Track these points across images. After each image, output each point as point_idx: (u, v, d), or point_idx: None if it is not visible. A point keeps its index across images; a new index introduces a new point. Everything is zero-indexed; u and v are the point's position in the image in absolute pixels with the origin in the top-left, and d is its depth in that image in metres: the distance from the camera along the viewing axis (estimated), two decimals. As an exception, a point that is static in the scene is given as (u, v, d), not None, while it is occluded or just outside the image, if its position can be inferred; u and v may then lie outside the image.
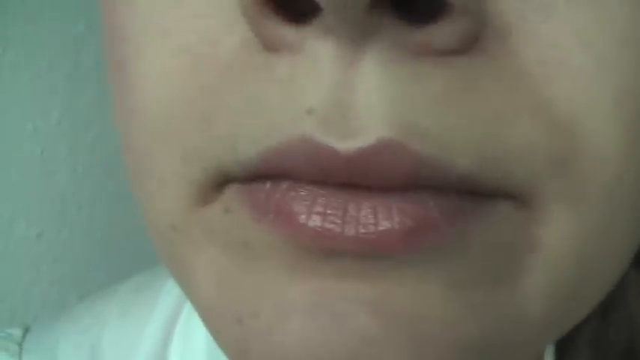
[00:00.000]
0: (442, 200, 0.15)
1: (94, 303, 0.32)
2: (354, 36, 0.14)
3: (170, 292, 0.31)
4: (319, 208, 0.15)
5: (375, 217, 0.15)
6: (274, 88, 0.15)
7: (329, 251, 0.16)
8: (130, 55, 0.17)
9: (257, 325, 0.16)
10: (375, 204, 0.15)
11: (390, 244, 0.15)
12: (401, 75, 0.15)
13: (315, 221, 0.15)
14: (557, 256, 0.16)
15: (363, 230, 0.15)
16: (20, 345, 0.31)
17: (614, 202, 0.16)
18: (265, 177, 0.16)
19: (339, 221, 0.15)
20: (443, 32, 0.14)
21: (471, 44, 0.15)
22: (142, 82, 0.17)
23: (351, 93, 0.15)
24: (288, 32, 0.15)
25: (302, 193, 0.16)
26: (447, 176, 0.15)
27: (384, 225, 0.15)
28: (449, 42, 0.15)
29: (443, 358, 0.16)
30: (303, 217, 0.15)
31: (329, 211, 0.15)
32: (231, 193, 0.17)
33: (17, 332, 0.32)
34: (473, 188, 0.16)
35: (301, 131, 0.15)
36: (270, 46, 0.15)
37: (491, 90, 0.15)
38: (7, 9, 0.46)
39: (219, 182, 0.17)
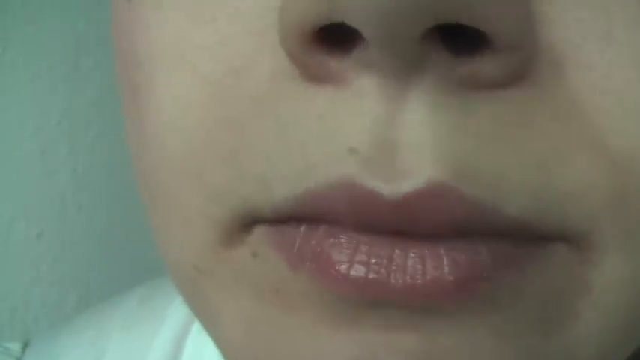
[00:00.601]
0: (494, 246, 0.14)
1: (95, 315, 0.31)
2: (401, 70, 0.13)
3: (180, 306, 0.30)
4: (362, 257, 0.14)
5: (423, 266, 0.14)
6: (313, 123, 0.14)
7: (373, 302, 0.14)
8: (145, 83, 0.16)
9: None
10: (422, 251, 0.14)
11: (440, 293, 0.14)
12: (449, 111, 0.14)
13: (359, 271, 0.14)
14: (609, 299, 0.15)
15: (410, 280, 0.14)
16: (19, 359, 0.30)
17: None
18: (299, 219, 0.15)
19: (384, 271, 0.14)
20: (489, 64, 0.13)
21: (521, 76, 0.14)
22: (159, 113, 0.16)
23: (397, 131, 0.14)
24: (330, 62, 0.14)
25: (342, 240, 0.14)
26: (500, 220, 0.14)
27: (434, 274, 0.14)
28: (496, 74, 0.13)
29: None
30: (345, 266, 0.14)
31: (373, 260, 0.14)
32: (260, 235, 0.15)
33: (16, 347, 0.31)
34: (527, 232, 0.14)
35: (342, 173, 0.14)
36: (310, 76, 0.14)
37: (544, 125, 0.14)
38: (7, 9, 0.46)
39: (247, 223, 0.15)
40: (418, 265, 0.14)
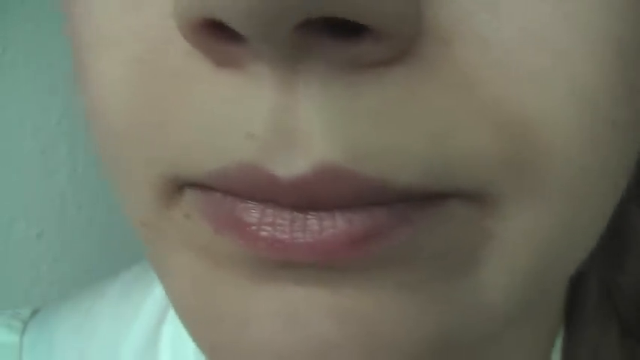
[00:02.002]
0: (388, 209, 0.15)
1: (99, 285, 0.33)
2: (286, 58, 0.14)
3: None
4: (269, 219, 0.15)
5: (320, 225, 0.15)
6: (218, 105, 0.15)
7: (285, 261, 0.16)
8: (87, 61, 0.17)
9: (228, 331, 0.17)
10: (321, 216, 0.15)
11: (338, 249, 0.15)
12: (337, 94, 0.14)
13: (266, 231, 0.15)
14: (512, 247, 0.16)
15: (310, 238, 0.15)
16: (25, 323, 0.32)
17: (580, 193, 0.16)
18: (219, 189, 0.16)
19: (287, 230, 0.15)
20: (371, 47, 0.14)
21: (406, 53, 0.14)
22: (99, 89, 0.17)
23: (290, 116, 0.14)
24: (227, 48, 0.14)
25: (251, 206, 0.16)
26: (391, 192, 0.15)
27: (330, 231, 0.15)
28: (379, 56, 0.14)
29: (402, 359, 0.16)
30: (255, 228, 0.16)
31: (278, 221, 0.15)
32: (190, 199, 0.17)
33: (25, 312, 0.33)
34: (420, 195, 0.15)
35: (243, 156, 0.15)
36: (214, 60, 0.15)
37: (432, 99, 0.15)
38: (7, 9, 0.46)
39: (177, 186, 0.17)
40: (315, 225, 0.15)
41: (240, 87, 0.15)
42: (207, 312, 0.17)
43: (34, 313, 0.33)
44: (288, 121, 0.14)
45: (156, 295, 0.31)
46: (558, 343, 0.25)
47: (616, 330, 0.26)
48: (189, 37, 0.14)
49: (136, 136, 0.17)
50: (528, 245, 0.16)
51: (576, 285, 0.26)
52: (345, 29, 0.14)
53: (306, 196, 0.15)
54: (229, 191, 0.16)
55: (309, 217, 0.15)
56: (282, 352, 0.16)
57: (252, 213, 0.16)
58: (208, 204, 0.16)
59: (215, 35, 0.14)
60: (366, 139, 0.14)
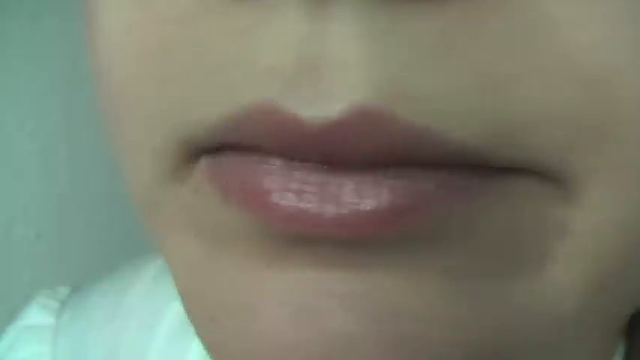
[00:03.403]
0: (440, 176, 0.13)
1: (133, 267, 0.31)
2: None
3: None
4: (294, 185, 0.13)
5: (358, 195, 0.13)
6: (233, 41, 0.13)
7: (305, 237, 0.13)
8: (95, 10, 0.16)
9: (230, 323, 0.14)
10: (358, 180, 0.13)
11: (377, 226, 0.13)
12: (380, 21, 0.12)
13: (289, 200, 0.13)
14: (594, 245, 0.13)
15: (344, 211, 0.13)
16: (63, 303, 0.30)
17: None
18: (235, 148, 0.14)
19: (316, 199, 0.13)
20: None
21: None
22: (105, 37, 0.15)
23: (321, 46, 0.12)
24: None
25: (274, 167, 0.13)
26: (445, 148, 0.12)
27: (369, 204, 0.12)
28: None
29: None
30: (276, 195, 0.13)
31: (306, 188, 0.13)
32: (201, 169, 0.14)
33: (64, 290, 0.31)
34: (480, 162, 0.13)
35: (261, 96, 0.12)
36: None
37: (497, 37, 0.12)
38: (7, 9, 0.46)
39: (189, 154, 0.14)
40: (353, 194, 0.13)
41: (260, 17, 0.12)
42: (207, 302, 0.15)
43: (73, 291, 0.31)
44: (319, 52, 0.12)
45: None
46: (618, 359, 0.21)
47: None
48: None
49: (139, 92, 0.15)
50: (612, 244, 0.13)
51: None
52: None
53: (338, 147, 0.12)
54: (245, 146, 0.13)
55: (344, 182, 0.13)
56: (294, 350, 0.13)
57: (275, 177, 0.13)
58: (219, 169, 0.14)
59: None
60: (415, 77, 0.12)
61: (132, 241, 0.52)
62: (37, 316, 0.30)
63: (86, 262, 0.51)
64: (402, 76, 0.12)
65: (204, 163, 0.14)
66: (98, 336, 0.29)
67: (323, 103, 0.12)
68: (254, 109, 0.13)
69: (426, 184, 0.13)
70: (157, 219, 0.16)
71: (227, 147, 0.14)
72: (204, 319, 0.15)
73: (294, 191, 0.13)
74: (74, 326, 0.29)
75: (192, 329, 0.28)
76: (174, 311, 0.28)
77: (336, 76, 0.12)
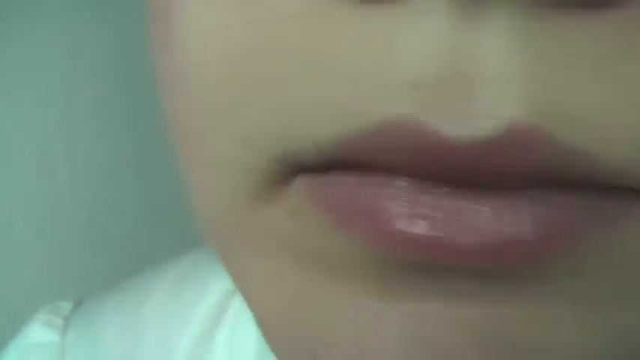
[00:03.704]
0: (583, 201, 0.12)
1: (144, 280, 0.30)
2: None
3: (225, 275, 0.28)
4: (425, 210, 0.12)
5: (499, 221, 0.12)
6: (363, 49, 0.11)
7: (433, 266, 0.12)
8: (174, 7, 0.14)
9: (335, 356, 0.13)
10: (497, 205, 0.12)
11: (518, 255, 0.12)
12: (536, 37, 0.11)
13: (420, 227, 0.12)
14: None
15: (482, 239, 0.11)
16: (67, 319, 0.29)
17: None
18: (346, 168, 0.12)
19: (451, 227, 0.12)
20: None
21: None
22: (186, 40, 0.13)
23: (470, 60, 0.11)
24: None
25: (401, 191, 0.12)
26: (597, 171, 0.11)
27: (511, 231, 0.11)
28: None
29: None
30: (404, 222, 0.12)
31: (437, 214, 0.12)
32: (301, 188, 0.13)
33: (66, 305, 0.30)
34: (623, 185, 0.12)
35: (401, 111, 0.11)
36: None
37: None
38: (7, 9, 0.46)
39: (286, 172, 0.13)
40: (492, 220, 0.12)
41: (393, 24, 0.11)
42: (306, 333, 0.14)
43: (76, 307, 0.30)
44: (466, 64, 0.11)
45: (209, 297, 0.28)
46: None
47: None
48: None
49: (230, 104, 0.13)
50: None
51: None
52: None
53: (484, 168, 0.11)
54: (365, 165, 0.12)
55: (484, 208, 0.12)
56: None
57: (403, 202, 0.12)
58: (330, 189, 0.13)
59: None
60: (571, 95, 0.11)
61: (131, 240, 0.52)
62: (40, 333, 0.29)
63: (86, 262, 0.51)
64: (559, 92, 0.11)
65: (303, 182, 0.13)
66: (110, 350, 0.28)
67: (471, 120, 0.11)
68: (389, 125, 0.11)
69: (570, 209, 0.12)
70: (237, 240, 0.14)
71: (335, 165, 0.12)
72: (301, 350, 0.14)
73: (425, 217, 0.12)
74: (82, 343, 0.28)
75: (217, 337, 0.27)
76: (200, 316, 0.27)
77: (486, 92, 0.11)
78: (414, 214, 0.12)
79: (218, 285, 0.28)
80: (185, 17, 0.13)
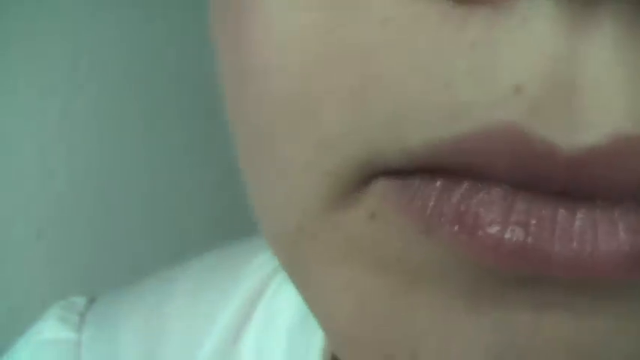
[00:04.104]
0: None
1: (164, 278, 0.30)
2: None
3: (252, 274, 0.28)
4: (520, 217, 0.11)
5: (594, 231, 0.11)
6: (462, 53, 0.11)
7: (524, 276, 0.12)
8: (254, 5, 0.13)
9: None
10: (592, 216, 0.11)
11: (613, 266, 0.11)
12: None
13: (515, 235, 0.11)
14: None
15: (577, 248, 0.11)
16: (82, 315, 0.29)
17: None
18: (432, 172, 0.12)
19: (547, 235, 0.11)
20: None
21: None
22: (267, 37, 0.13)
23: (576, 68, 0.11)
24: None
25: (494, 196, 0.12)
26: None
27: (607, 241, 0.11)
28: None
29: None
30: (497, 228, 0.11)
31: (533, 221, 0.11)
32: (382, 191, 0.13)
33: (80, 301, 0.30)
34: None
35: (503, 117, 0.11)
36: None
37: None
38: (7, 9, 0.46)
39: (366, 175, 0.13)
40: (588, 229, 0.11)
41: (496, 27, 0.11)
42: (386, 345, 0.13)
43: (90, 303, 0.29)
44: (574, 72, 0.11)
45: (234, 299, 0.27)
46: None
47: None
48: None
49: (314, 106, 0.13)
50: None
51: None
52: None
53: (586, 179, 0.11)
54: (452, 173, 0.12)
55: (579, 216, 0.11)
56: None
57: (497, 207, 0.11)
58: (413, 193, 0.12)
59: None
60: None
61: (131, 240, 0.52)
62: (55, 329, 0.28)
63: (86, 262, 0.51)
64: None
65: (383, 184, 0.13)
66: (130, 350, 0.28)
67: (576, 129, 0.11)
68: (490, 130, 0.11)
69: None
70: (310, 246, 0.14)
71: (419, 168, 0.12)
72: (379, 358, 0.13)
73: (519, 224, 0.11)
74: (100, 341, 0.28)
75: (244, 340, 0.26)
76: (225, 319, 0.27)
77: (591, 101, 0.11)
78: (508, 220, 0.11)
79: (243, 285, 0.28)
80: (267, 18, 0.13)
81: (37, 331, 0.29)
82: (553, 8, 0.11)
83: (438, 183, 0.12)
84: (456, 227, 0.12)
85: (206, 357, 0.26)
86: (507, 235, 0.11)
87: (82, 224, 0.51)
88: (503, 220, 0.11)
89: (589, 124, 0.11)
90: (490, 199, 0.12)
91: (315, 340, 0.26)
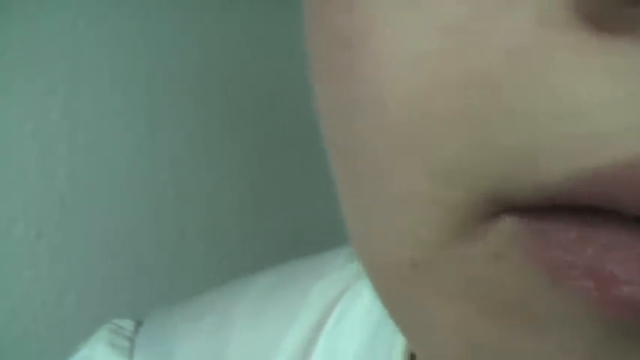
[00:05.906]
0: None
1: (217, 300, 0.29)
2: None
3: (319, 298, 0.27)
4: None
5: None
6: (600, 82, 0.11)
7: None
8: (361, 31, 0.13)
9: None
10: None
11: None
12: None
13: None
14: None
15: None
16: (132, 340, 0.28)
17: None
18: (563, 210, 0.12)
19: None
20: None
21: None
22: (379, 67, 0.13)
23: None
24: (634, 8, 0.10)
25: (627, 251, 0.11)
26: None
27: None
28: None
29: None
30: (634, 288, 0.11)
31: None
32: (508, 230, 0.12)
33: (129, 325, 0.29)
34: None
35: (636, 149, 0.10)
36: (595, 23, 0.11)
37: None
38: (7, 9, 0.46)
39: (490, 211, 0.12)
40: None
41: (634, 57, 0.10)
42: None
43: (138, 326, 0.29)
44: None
45: (297, 328, 0.26)
46: None
47: None
48: None
49: (433, 136, 0.12)
50: None
51: None
52: None
53: None
54: (582, 210, 0.11)
55: None
56: None
57: (632, 264, 0.11)
58: (549, 237, 0.12)
59: None
60: None
61: (131, 241, 0.52)
62: (106, 355, 0.28)
63: (86, 262, 0.51)
64: None
65: (511, 224, 0.12)
66: None
67: None
68: (630, 165, 0.11)
69: None
70: (420, 283, 0.13)
71: (549, 207, 0.12)
72: None
73: None
74: None
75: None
76: (288, 348, 0.26)
77: None
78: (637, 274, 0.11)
79: (307, 312, 0.27)
80: (382, 45, 0.13)
81: (85, 355, 0.28)
82: None
83: (572, 233, 0.11)
84: (589, 281, 0.11)
85: None
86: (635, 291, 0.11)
87: (82, 224, 0.50)
88: (630, 281, 0.11)
89: None
90: (626, 258, 0.11)
91: None
